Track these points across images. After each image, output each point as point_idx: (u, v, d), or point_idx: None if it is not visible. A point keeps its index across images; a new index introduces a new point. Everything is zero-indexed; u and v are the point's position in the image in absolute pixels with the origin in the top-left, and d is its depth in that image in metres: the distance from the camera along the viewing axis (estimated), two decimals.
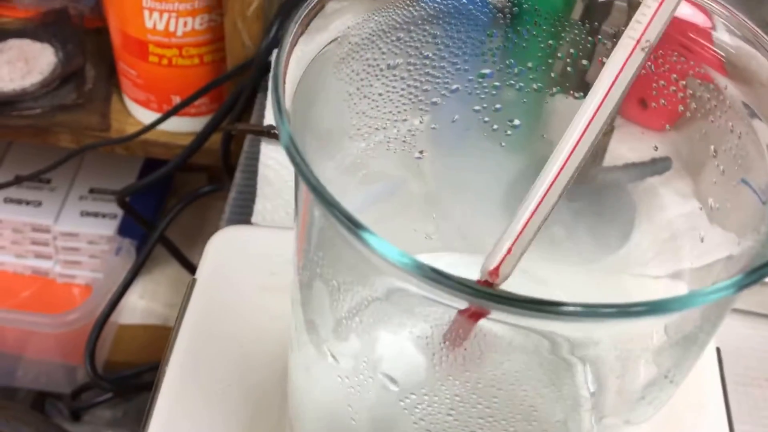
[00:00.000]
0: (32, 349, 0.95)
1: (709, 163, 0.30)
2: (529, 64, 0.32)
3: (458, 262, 0.38)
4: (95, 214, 0.98)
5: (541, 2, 0.31)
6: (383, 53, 0.30)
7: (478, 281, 0.27)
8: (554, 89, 0.33)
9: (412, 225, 0.37)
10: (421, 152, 0.34)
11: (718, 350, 0.44)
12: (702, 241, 0.30)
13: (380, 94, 0.32)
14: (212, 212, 1.01)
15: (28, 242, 0.99)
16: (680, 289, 0.32)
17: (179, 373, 0.39)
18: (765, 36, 0.27)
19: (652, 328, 0.26)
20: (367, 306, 0.27)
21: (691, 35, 0.29)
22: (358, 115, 0.31)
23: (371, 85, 0.31)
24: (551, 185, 0.26)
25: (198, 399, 0.38)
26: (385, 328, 0.29)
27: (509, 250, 0.27)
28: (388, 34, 0.30)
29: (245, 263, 0.42)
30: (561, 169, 0.25)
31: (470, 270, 0.38)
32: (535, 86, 0.33)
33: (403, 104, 0.33)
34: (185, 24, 0.73)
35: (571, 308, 0.21)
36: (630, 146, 0.33)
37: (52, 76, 0.82)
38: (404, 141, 0.34)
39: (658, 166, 0.32)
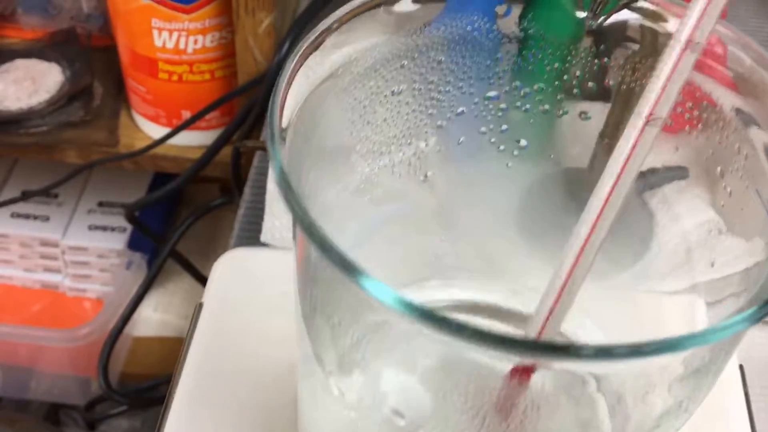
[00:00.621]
0: (45, 362, 0.96)
1: (726, 170, 0.30)
2: (536, 86, 0.32)
3: (468, 285, 0.38)
4: (104, 228, 0.99)
5: (548, 28, 0.31)
6: (387, 81, 0.31)
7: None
8: (562, 110, 0.33)
9: (423, 246, 0.37)
10: (426, 175, 0.34)
11: (741, 368, 0.43)
12: (717, 252, 0.30)
13: (384, 120, 0.32)
14: (224, 223, 1.01)
15: (37, 256, 1.00)
16: (698, 304, 0.32)
17: (187, 398, 0.39)
18: None
19: (671, 360, 0.26)
20: (369, 342, 0.28)
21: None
22: (362, 140, 0.31)
23: (375, 112, 0.31)
24: (590, 234, 0.25)
25: (207, 423, 0.38)
26: (387, 364, 0.29)
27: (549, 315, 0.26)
28: (392, 63, 0.30)
29: (252, 285, 0.42)
30: (597, 218, 0.25)
31: (481, 294, 0.38)
32: (542, 108, 0.33)
33: (408, 128, 0.33)
34: (195, 42, 0.73)
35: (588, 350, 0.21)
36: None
37: (59, 94, 0.82)
38: (410, 164, 0.34)
39: (676, 173, 0.32)
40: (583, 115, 0.33)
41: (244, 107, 0.72)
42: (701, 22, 0.24)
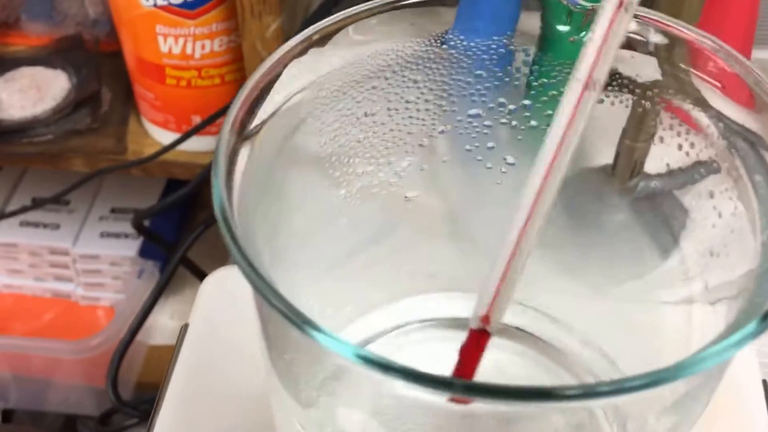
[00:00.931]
0: (59, 373, 0.96)
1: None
2: (523, 103, 0.31)
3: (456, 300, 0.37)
4: (116, 235, 0.98)
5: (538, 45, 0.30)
6: (358, 102, 0.29)
7: (471, 330, 0.26)
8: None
9: (409, 265, 0.36)
10: (408, 195, 0.33)
11: (764, 382, 0.42)
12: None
13: (359, 141, 0.30)
14: None
15: (47, 265, 1.00)
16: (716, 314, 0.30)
17: (170, 419, 0.38)
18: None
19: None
20: (323, 380, 0.27)
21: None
22: (335, 164, 0.30)
23: (347, 134, 0.30)
24: (530, 214, 0.24)
25: None
26: (343, 402, 0.28)
27: (497, 293, 0.25)
28: (362, 84, 0.29)
29: (239, 306, 0.41)
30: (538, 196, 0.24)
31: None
32: (531, 123, 0.32)
33: (386, 148, 0.31)
34: (203, 47, 0.73)
35: (564, 392, 0.20)
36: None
37: (66, 102, 0.82)
38: (390, 184, 0.32)
39: (704, 169, 0.31)
40: None
41: None
42: None
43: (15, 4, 0.88)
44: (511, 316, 0.36)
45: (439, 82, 0.30)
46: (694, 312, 0.30)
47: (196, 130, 0.77)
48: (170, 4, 0.70)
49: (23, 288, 1.01)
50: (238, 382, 0.39)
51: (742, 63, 0.27)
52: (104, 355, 0.90)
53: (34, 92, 0.83)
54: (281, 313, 0.20)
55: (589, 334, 0.35)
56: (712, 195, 0.29)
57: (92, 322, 1.00)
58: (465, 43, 0.30)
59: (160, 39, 0.73)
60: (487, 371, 0.32)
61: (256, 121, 0.25)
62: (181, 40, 0.72)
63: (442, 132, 0.32)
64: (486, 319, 0.26)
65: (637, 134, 0.31)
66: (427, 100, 0.31)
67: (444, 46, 0.29)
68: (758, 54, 0.62)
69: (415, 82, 0.30)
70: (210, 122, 0.76)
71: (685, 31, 0.28)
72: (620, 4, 0.22)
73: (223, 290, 0.43)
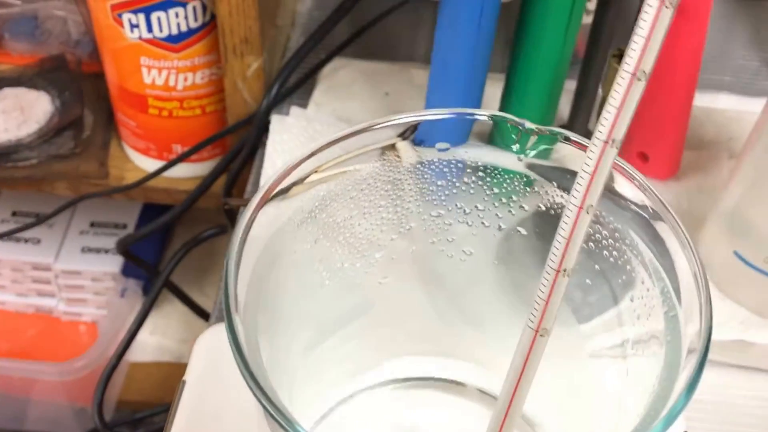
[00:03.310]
0: (41, 393, 1.03)
1: None
2: (476, 206, 0.39)
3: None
4: (97, 251, 1.06)
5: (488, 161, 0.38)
6: (338, 210, 0.38)
7: None
8: (501, 225, 0.40)
9: (383, 336, 0.44)
10: (382, 279, 0.41)
11: None
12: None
13: (339, 241, 0.39)
14: (220, 248, 1.08)
15: (29, 281, 1.07)
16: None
17: None
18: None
19: None
20: None
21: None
22: (318, 261, 0.39)
23: (328, 237, 0.38)
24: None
25: None
26: None
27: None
28: (342, 196, 0.37)
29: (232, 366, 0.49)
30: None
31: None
32: (484, 223, 0.40)
33: (362, 244, 0.40)
34: (185, 79, 0.80)
35: None
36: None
37: (49, 126, 0.88)
38: (366, 272, 0.41)
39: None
40: (519, 231, 0.39)
41: (234, 149, 0.79)
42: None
43: None
44: (473, 378, 0.44)
45: (406, 190, 0.39)
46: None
47: (178, 161, 0.85)
48: (155, 37, 0.77)
49: (6, 304, 1.09)
50: None
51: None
52: (88, 376, 0.97)
53: (18, 114, 0.89)
54: (275, 420, 0.28)
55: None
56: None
57: (74, 338, 1.07)
58: (427, 159, 0.38)
59: (144, 70, 0.80)
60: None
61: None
62: (164, 72, 0.80)
63: (410, 229, 0.40)
64: None
65: None
66: (396, 204, 0.39)
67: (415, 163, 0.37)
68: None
69: (386, 191, 0.38)
70: (193, 152, 0.84)
71: None
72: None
73: (218, 346, 0.50)
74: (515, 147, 0.37)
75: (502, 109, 0.61)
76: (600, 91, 0.65)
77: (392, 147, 0.38)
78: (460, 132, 0.38)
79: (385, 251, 0.40)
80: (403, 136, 0.38)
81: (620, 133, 0.28)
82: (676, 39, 0.57)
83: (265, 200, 0.34)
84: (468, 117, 0.37)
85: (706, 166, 0.66)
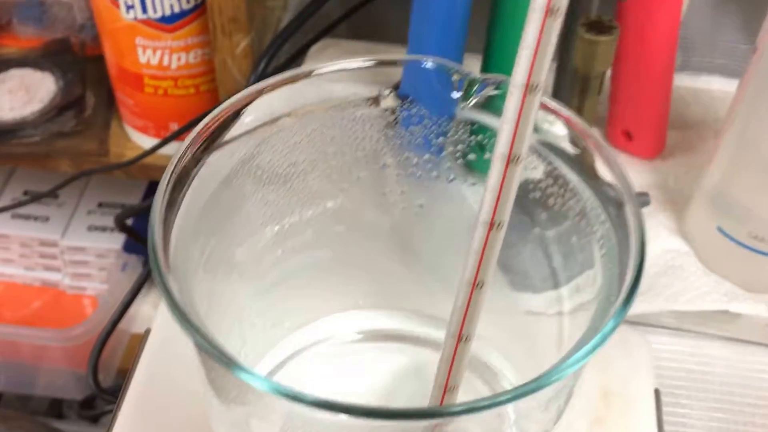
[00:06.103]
0: (45, 359, 1.03)
1: None
2: (425, 157, 0.37)
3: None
4: (102, 229, 1.05)
5: (428, 107, 0.36)
6: (284, 155, 0.36)
7: None
8: (451, 176, 0.38)
9: (340, 288, 0.43)
10: (336, 229, 0.40)
11: (657, 392, 0.48)
12: None
13: (287, 188, 0.37)
14: None
15: (37, 256, 1.06)
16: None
17: (130, 424, 0.44)
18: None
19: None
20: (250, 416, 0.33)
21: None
22: (266, 205, 0.37)
23: (275, 182, 0.36)
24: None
25: None
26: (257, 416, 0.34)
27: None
28: (287, 141, 0.35)
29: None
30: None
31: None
32: (433, 174, 0.38)
33: (314, 190, 0.38)
34: (179, 59, 0.79)
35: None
36: None
37: (52, 104, 0.88)
38: (319, 221, 0.39)
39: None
40: (472, 182, 0.38)
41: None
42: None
43: (7, 7, 0.94)
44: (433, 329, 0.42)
45: (352, 138, 0.37)
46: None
47: (174, 137, 0.83)
48: (149, 18, 0.76)
49: (14, 277, 1.08)
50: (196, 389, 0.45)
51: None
52: (88, 343, 0.96)
53: (23, 94, 0.89)
54: (207, 353, 0.26)
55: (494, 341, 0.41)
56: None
57: (78, 310, 1.07)
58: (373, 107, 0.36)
59: (140, 50, 0.78)
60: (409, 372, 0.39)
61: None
62: (159, 52, 0.78)
63: (360, 178, 0.38)
64: None
65: None
66: (344, 153, 0.37)
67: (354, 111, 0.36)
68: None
69: (332, 138, 0.36)
70: (187, 129, 0.82)
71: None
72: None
73: None
74: (457, 94, 0.36)
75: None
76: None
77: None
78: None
79: (339, 200, 0.39)
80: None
81: (539, 77, 0.26)
82: (652, 17, 0.55)
83: (195, 148, 0.33)
84: (414, 64, 0.36)
85: (693, 146, 0.64)
